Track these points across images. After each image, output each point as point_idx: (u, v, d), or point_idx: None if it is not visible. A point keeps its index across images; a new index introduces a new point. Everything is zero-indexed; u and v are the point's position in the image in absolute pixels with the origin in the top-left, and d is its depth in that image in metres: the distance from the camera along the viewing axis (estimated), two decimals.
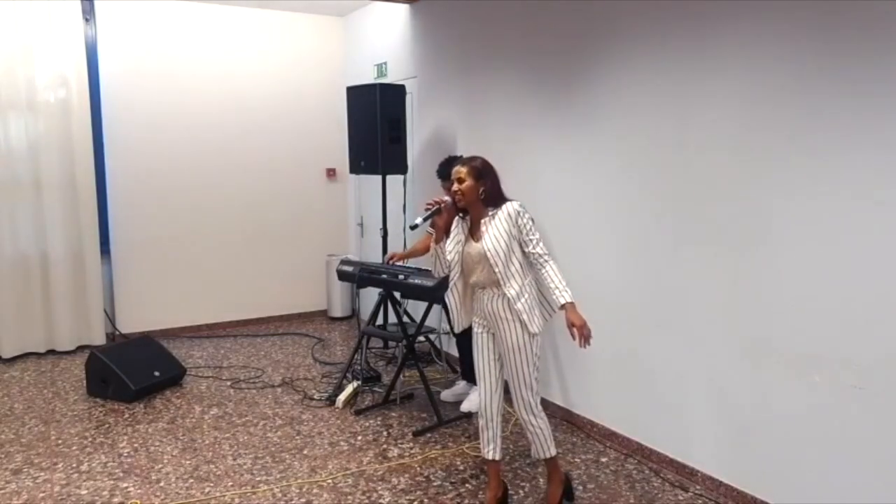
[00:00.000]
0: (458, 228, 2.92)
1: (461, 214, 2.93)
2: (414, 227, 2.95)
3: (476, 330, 2.97)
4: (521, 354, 2.82)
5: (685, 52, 3.22)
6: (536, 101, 4.18)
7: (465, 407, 4.18)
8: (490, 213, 2.83)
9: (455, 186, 2.84)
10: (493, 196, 2.84)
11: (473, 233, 2.89)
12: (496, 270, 2.76)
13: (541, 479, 3.34)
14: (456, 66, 4.96)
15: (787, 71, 2.79)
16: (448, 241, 2.90)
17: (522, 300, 2.78)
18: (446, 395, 4.43)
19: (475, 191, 2.81)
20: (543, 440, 2.93)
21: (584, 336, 2.72)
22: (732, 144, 3.04)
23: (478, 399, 4.02)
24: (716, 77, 3.09)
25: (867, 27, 2.51)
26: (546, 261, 2.78)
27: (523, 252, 2.82)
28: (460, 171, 2.84)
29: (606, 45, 3.65)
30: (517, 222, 2.79)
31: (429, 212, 2.87)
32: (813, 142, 2.72)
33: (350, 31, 6.51)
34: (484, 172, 2.84)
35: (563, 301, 2.73)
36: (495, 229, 2.79)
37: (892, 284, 2.49)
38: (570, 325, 2.72)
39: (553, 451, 2.97)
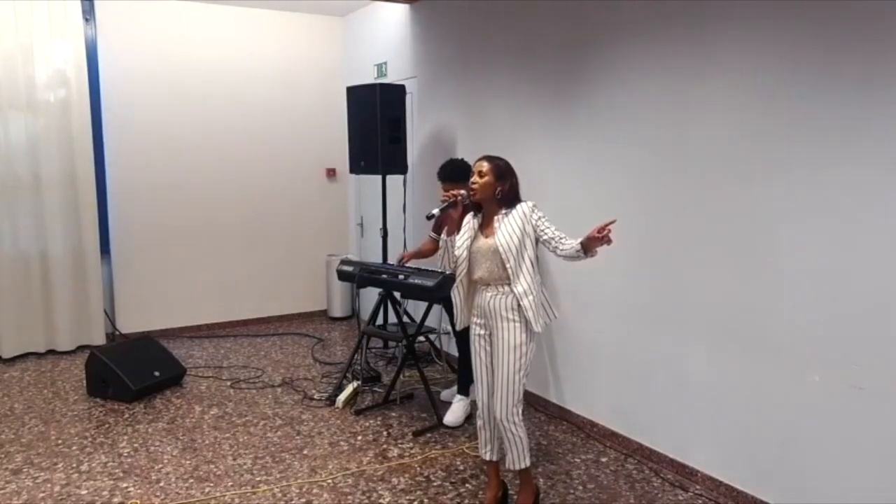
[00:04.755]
0: (469, 224, 2.94)
1: (474, 212, 2.94)
2: (430, 218, 2.99)
3: (475, 331, 2.97)
4: (514, 355, 2.81)
5: (685, 54, 3.22)
6: (536, 101, 4.19)
7: (448, 419, 4.02)
8: (504, 212, 2.85)
9: (473, 178, 2.86)
10: (509, 197, 2.86)
11: (484, 229, 2.90)
12: (508, 266, 2.77)
13: (541, 479, 3.34)
14: (456, 66, 4.96)
15: (788, 74, 2.79)
16: (458, 237, 2.92)
17: (529, 298, 2.78)
18: (446, 395, 4.43)
19: (492, 188, 2.84)
20: (521, 450, 2.90)
21: (605, 226, 2.62)
22: (733, 144, 3.04)
23: (461, 410, 4.04)
24: (716, 78, 3.09)
25: (868, 32, 2.51)
26: (564, 235, 2.78)
27: (535, 251, 2.83)
28: (482, 165, 2.87)
29: (606, 45, 3.65)
30: (531, 219, 2.81)
31: (445, 203, 2.92)
32: (813, 143, 2.72)
33: (350, 31, 6.51)
34: (505, 173, 2.87)
35: (580, 240, 2.68)
36: (508, 226, 2.80)
37: (891, 285, 2.49)
38: (595, 233, 2.61)
39: (528, 463, 2.94)
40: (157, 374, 4.56)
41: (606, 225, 2.62)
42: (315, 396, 4.50)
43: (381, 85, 5.02)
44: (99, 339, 5.61)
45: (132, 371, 4.42)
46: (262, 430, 3.97)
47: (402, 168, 5.18)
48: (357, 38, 6.40)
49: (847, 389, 2.65)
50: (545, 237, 2.80)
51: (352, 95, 5.26)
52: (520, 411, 2.87)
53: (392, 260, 5.01)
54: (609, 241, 2.64)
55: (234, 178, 6.21)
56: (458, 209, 2.92)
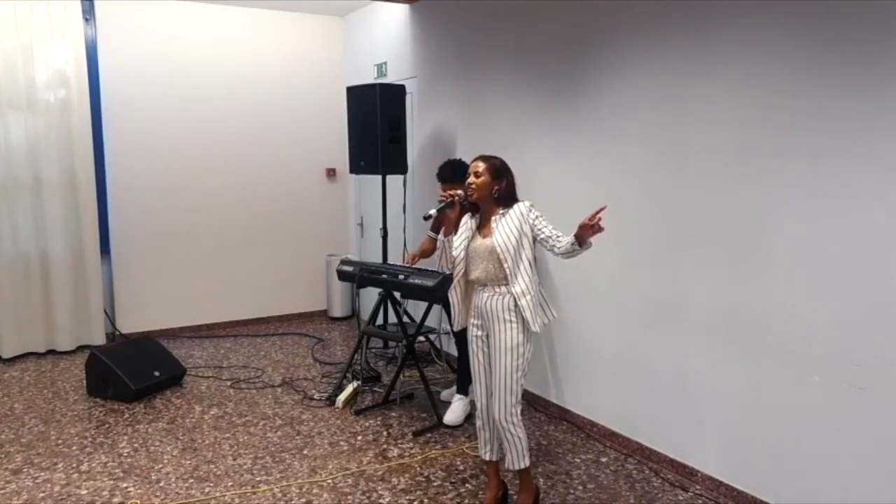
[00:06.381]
0: (466, 225, 2.94)
1: (471, 212, 2.94)
2: (427, 218, 3.00)
3: (472, 333, 2.96)
4: (512, 356, 2.81)
5: (684, 54, 3.22)
6: (536, 101, 4.19)
7: (448, 419, 4.02)
8: (501, 212, 2.85)
9: (470, 179, 2.86)
10: (506, 196, 2.87)
11: (481, 229, 2.91)
12: (506, 266, 2.76)
13: (541, 479, 3.34)
14: (456, 66, 4.96)
15: (787, 73, 2.79)
16: (456, 237, 2.92)
17: (527, 297, 2.78)
18: (446, 395, 4.43)
19: (489, 188, 2.84)
20: (520, 450, 2.89)
21: (596, 214, 2.61)
22: (732, 143, 3.04)
23: (460, 409, 4.04)
24: (715, 78, 3.09)
25: (867, 30, 2.51)
26: (561, 234, 2.77)
27: (533, 251, 2.83)
28: (478, 165, 2.87)
29: (606, 45, 3.65)
30: (528, 218, 2.81)
31: (442, 203, 2.92)
32: (812, 143, 2.72)
33: (350, 31, 6.51)
34: (501, 172, 2.87)
35: (574, 233, 2.67)
36: (506, 226, 2.80)
37: (891, 285, 2.49)
38: (586, 221, 2.60)
39: (528, 463, 2.93)
40: (157, 374, 4.56)
41: (597, 212, 2.62)
42: (315, 396, 4.50)
43: (381, 85, 5.01)
44: (99, 339, 5.61)
45: (132, 371, 4.42)
46: (262, 430, 3.97)
47: (402, 168, 5.18)
48: (357, 38, 6.40)
49: (847, 389, 2.65)
50: (542, 236, 2.80)
51: (352, 95, 5.26)
52: (518, 412, 2.87)
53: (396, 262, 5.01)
54: (601, 229, 2.63)
55: (234, 178, 6.21)
56: (456, 209, 2.92)
